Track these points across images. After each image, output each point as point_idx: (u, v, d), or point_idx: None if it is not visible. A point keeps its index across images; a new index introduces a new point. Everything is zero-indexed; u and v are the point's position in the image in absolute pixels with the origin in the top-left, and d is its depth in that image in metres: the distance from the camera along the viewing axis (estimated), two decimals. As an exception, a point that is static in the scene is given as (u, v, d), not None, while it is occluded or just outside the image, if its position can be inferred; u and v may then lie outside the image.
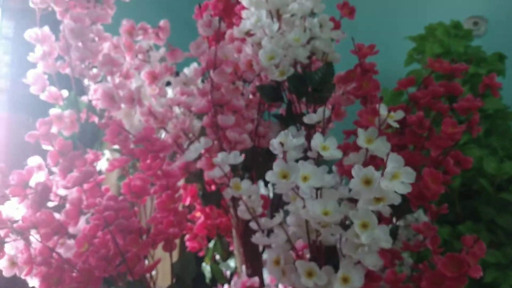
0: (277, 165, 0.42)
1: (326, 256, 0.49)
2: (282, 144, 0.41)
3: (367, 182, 0.39)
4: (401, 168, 0.38)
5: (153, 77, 0.58)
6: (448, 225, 1.12)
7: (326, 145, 0.44)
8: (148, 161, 0.50)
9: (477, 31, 1.63)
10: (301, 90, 0.57)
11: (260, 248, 0.66)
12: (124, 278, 0.47)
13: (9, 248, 0.44)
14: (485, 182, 1.08)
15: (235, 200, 0.61)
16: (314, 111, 0.60)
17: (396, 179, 0.37)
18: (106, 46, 0.61)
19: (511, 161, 1.06)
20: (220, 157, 0.47)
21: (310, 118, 0.48)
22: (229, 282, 0.69)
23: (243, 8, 0.61)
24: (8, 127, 0.93)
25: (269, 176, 0.42)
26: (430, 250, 0.61)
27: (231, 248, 0.75)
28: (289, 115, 0.59)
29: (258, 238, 0.50)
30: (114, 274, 0.46)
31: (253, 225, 0.51)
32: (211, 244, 0.76)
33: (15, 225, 0.41)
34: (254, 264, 0.66)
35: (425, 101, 0.59)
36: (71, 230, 0.49)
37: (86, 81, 0.63)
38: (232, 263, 0.74)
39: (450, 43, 1.23)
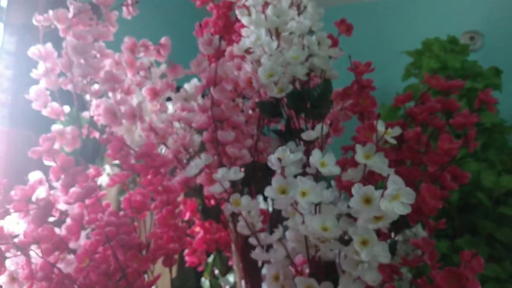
0: (276, 181, 0.42)
1: (325, 271, 0.49)
2: (280, 159, 0.42)
3: (367, 201, 0.39)
4: (401, 189, 0.38)
5: (155, 94, 0.59)
6: (446, 239, 1.13)
7: (324, 161, 0.44)
8: (149, 176, 0.51)
9: (473, 46, 1.66)
10: (300, 106, 0.58)
11: (259, 263, 0.66)
12: (124, 294, 0.47)
13: (9, 263, 0.45)
14: (483, 196, 1.09)
15: (234, 216, 0.61)
16: (313, 127, 0.61)
17: (396, 200, 0.38)
18: (107, 63, 0.62)
19: (509, 175, 1.07)
20: (220, 173, 0.48)
21: (309, 134, 0.49)
22: (228, 297, 0.69)
23: (243, 26, 0.62)
24: (9, 141, 0.93)
25: (268, 191, 0.42)
26: (428, 265, 0.61)
27: (230, 263, 0.75)
28: (288, 130, 0.59)
29: (257, 254, 0.51)
30: (114, 289, 0.46)
31: (252, 240, 0.51)
32: (210, 259, 0.76)
33: (16, 240, 0.41)
34: (253, 279, 0.66)
35: (423, 117, 0.60)
36: (71, 245, 0.50)
37: (87, 97, 0.64)
38: (231, 278, 0.74)
39: (446, 58, 1.24)
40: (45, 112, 0.59)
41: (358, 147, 0.47)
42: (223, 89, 0.51)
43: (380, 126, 0.48)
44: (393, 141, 0.48)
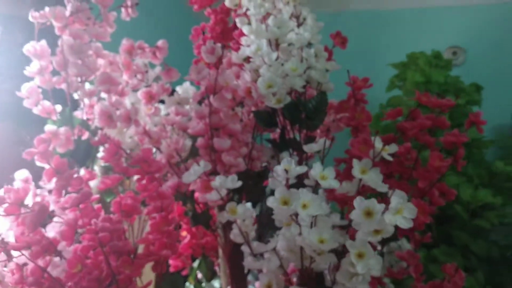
0: (279, 192, 0.42)
1: (316, 281, 0.50)
2: (286, 171, 0.42)
3: (368, 214, 0.40)
4: (405, 203, 0.39)
5: (150, 97, 0.58)
6: (424, 249, 1.15)
7: (325, 174, 0.45)
8: (144, 181, 0.50)
9: (456, 61, 1.71)
10: (296, 116, 0.58)
11: (246, 270, 0.66)
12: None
13: (-4, 267, 0.44)
14: (460, 208, 1.12)
15: (226, 223, 0.61)
16: (305, 137, 0.62)
17: (399, 214, 0.39)
18: (101, 63, 0.61)
19: (486, 189, 1.11)
20: (218, 181, 0.48)
21: (310, 147, 0.49)
22: (212, 302, 0.69)
23: (242, 33, 0.62)
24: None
25: (270, 201, 0.43)
26: (410, 277, 0.63)
27: (215, 268, 0.75)
28: (282, 140, 0.60)
29: (249, 263, 0.51)
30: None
31: (245, 248, 0.52)
32: (195, 264, 0.76)
33: (8, 244, 0.40)
34: (240, 285, 0.66)
35: (413, 132, 0.61)
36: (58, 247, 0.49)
37: (76, 96, 0.63)
38: (216, 283, 0.74)
39: (431, 73, 1.27)
40: (36, 111, 0.58)
41: (355, 162, 0.48)
42: (223, 98, 0.51)
43: (378, 142, 0.49)
44: (390, 158, 0.49)
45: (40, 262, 0.44)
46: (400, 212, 0.39)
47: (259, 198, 0.61)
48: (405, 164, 0.60)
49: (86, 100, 0.61)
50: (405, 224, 0.39)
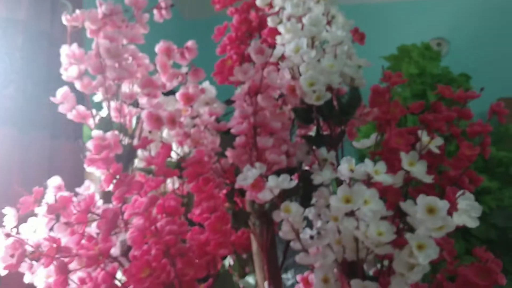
0: (341, 191, 0.44)
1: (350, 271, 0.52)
2: (352, 170, 0.44)
3: (431, 211, 0.42)
4: (473, 204, 0.41)
5: (188, 98, 0.58)
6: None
7: (378, 169, 0.47)
8: (195, 183, 0.51)
9: (440, 52, 1.77)
10: (330, 113, 0.60)
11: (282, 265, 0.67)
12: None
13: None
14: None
15: (265, 219, 0.62)
16: (335, 133, 0.64)
17: (466, 214, 0.41)
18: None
19: (482, 174, 1.16)
20: (273, 181, 0.49)
21: (363, 143, 0.51)
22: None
23: (271, 32, 0.63)
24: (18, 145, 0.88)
25: (333, 200, 0.44)
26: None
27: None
28: (318, 136, 0.61)
29: (302, 258, 0.52)
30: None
31: (295, 245, 0.53)
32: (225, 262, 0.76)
33: (81, 252, 0.40)
34: (276, 280, 0.68)
35: (438, 124, 0.64)
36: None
37: (97, 99, 0.62)
38: (250, 279, 0.75)
39: (425, 65, 1.32)
40: (70, 116, 0.57)
41: (403, 155, 0.50)
42: (269, 97, 0.52)
43: (424, 136, 0.51)
44: (437, 151, 0.51)
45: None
46: (468, 212, 0.42)
47: (297, 193, 0.62)
48: (433, 154, 0.63)
49: (113, 104, 0.60)
50: (472, 224, 0.42)
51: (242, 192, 0.62)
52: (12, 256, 0.43)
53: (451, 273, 0.61)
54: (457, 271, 0.56)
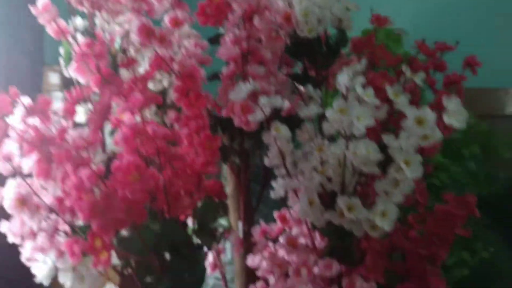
0: (337, 104, 0.45)
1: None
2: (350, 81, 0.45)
3: (420, 122, 0.44)
4: (459, 107, 0.44)
5: (176, 23, 0.57)
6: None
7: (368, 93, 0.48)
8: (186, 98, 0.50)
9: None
10: (320, 50, 0.61)
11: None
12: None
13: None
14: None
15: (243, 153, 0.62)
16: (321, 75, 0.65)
17: (453, 117, 0.44)
18: None
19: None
20: (264, 100, 0.49)
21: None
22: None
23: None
24: None
25: (329, 113, 0.45)
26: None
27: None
28: (305, 74, 0.62)
29: (287, 183, 0.52)
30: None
31: (280, 171, 0.53)
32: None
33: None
34: (249, 222, 0.67)
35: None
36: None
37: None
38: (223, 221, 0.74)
39: (391, 46, 1.37)
40: (50, 29, 0.54)
41: (388, 87, 0.52)
42: (266, 18, 0.52)
43: (408, 71, 0.53)
44: (422, 83, 0.54)
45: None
46: (454, 116, 0.44)
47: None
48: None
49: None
50: (457, 124, 0.44)
51: (226, 126, 0.62)
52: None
53: (422, 217, 0.64)
54: (435, 209, 0.59)
